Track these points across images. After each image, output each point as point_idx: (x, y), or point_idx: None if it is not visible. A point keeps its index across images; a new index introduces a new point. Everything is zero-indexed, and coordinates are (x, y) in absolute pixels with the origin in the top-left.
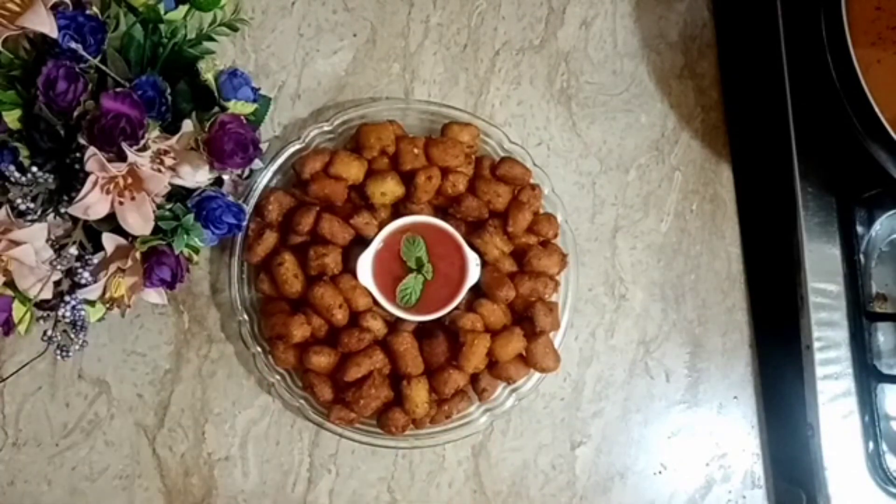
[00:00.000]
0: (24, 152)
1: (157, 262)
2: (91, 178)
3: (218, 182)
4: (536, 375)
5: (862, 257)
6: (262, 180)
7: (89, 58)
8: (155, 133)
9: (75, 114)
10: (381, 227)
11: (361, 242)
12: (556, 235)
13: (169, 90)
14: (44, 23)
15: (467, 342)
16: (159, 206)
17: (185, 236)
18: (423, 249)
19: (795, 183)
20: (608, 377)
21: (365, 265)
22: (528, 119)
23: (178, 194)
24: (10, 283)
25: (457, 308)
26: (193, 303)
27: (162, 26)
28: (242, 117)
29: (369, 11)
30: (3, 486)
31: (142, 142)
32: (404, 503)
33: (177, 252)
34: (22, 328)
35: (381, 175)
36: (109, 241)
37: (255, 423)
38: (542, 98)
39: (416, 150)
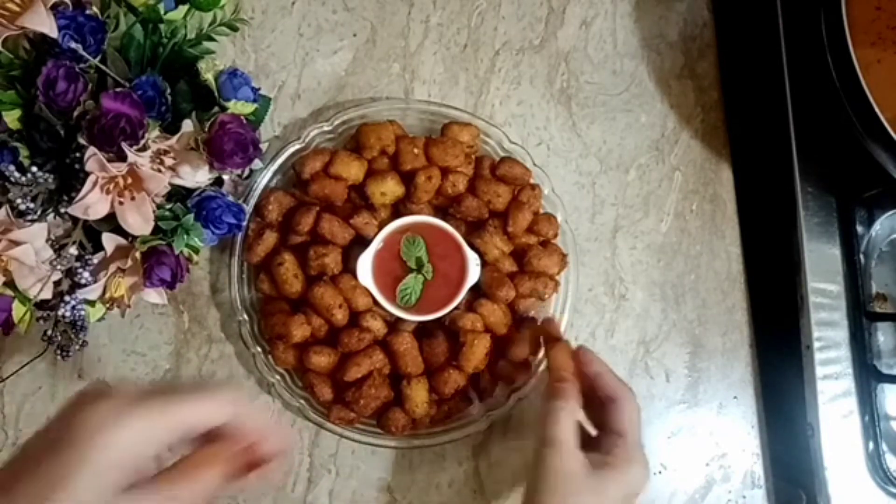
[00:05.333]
0: (24, 152)
1: (157, 262)
2: (91, 178)
3: (218, 182)
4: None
5: (862, 257)
6: (262, 180)
7: (89, 58)
8: (155, 133)
9: (75, 114)
10: (381, 227)
11: (361, 242)
12: (556, 235)
13: (169, 90)
14: (44, 23)
15: (467, 342)
16: (159, 206)
17: (185, 236)
18: (423, 249)
19: (795, 183)
20: None
21: (365, 265)
22: (528, 119)
23: (178, 194)
24: (10, 283)
25: (457, 308)
26: (193, 303)
27: (162, 26)
28: (242, 117)
29: (369, 11)
30: None
31: (142, 142)
32: (404, 503)
33: (177, 252)
34: (22, 328)
35: (381, 175)
36: (109, 241)
37: None
38: (542, 98)
39: (416, 150)
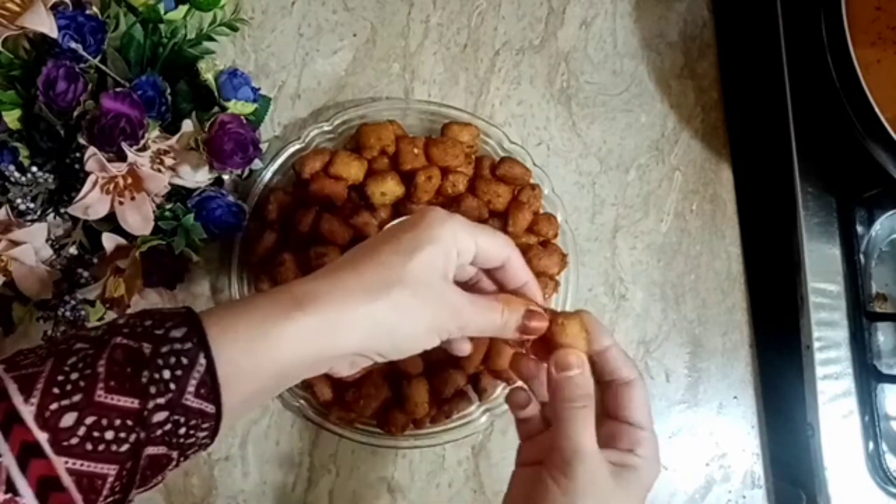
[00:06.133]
0: (24, 152)
1: (157, 262)
2: (91, 178)
3: (218, 182)
4: None
5: (862, 257)
6: (262, 180)
7: (89, 58)
8: (155, 133)
9: (75, 114)
10: (381, 227)
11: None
12: (556, 235)
13: (169, 90)
14: (44, 23)
15: None
16: (159, 206)
17: (185, 236)
18: None
19: (795, 183)
20: None
21: None
22: (528, 119)
23: (178, 194)
24: (10, 283)
25: None
26: (193, 303)
27: (162, 26)
28: (242, 117)
29: (369, 11)
30: None
31: (142, 142)
32: (404, 503)
33: (177, 252)
34: (22, 328)
35: (381, 175)
36: (109, 241)
37: (255, 423)
38: (542, 98)
39: (416, 150)
